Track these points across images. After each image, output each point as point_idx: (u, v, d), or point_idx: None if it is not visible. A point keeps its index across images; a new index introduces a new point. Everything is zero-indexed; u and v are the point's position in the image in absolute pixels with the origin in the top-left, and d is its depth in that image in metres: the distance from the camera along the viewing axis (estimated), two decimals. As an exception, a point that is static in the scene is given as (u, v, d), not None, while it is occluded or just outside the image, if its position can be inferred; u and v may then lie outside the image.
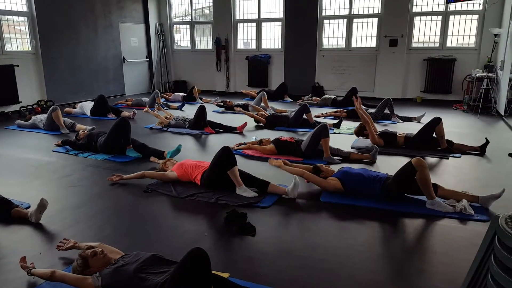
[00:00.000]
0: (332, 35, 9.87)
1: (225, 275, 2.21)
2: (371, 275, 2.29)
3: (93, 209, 3.28)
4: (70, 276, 2.12)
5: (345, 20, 9.61)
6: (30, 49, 8.34)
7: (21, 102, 7.95)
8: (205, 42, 11.48)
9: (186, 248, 2.56)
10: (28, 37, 8.33)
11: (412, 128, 5.67)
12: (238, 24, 10.77)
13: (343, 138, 5.51)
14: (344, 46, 9.74)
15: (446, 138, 4.79)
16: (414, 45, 9.17)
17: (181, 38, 11.90)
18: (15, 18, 8.15)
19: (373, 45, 9.44)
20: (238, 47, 10.91)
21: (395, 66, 9.17)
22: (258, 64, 10.48)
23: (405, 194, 3.32)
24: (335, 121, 6.33)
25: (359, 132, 5.20)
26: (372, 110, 6.83)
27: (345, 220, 3.03)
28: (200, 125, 6.02)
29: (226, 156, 3.43)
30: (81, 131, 5.24)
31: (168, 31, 11.54)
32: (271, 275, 2.29)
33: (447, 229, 2.83)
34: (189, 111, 6.71)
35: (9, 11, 7.94)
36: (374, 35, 9.39)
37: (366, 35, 9.52)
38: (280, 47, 10.38)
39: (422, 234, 2.83)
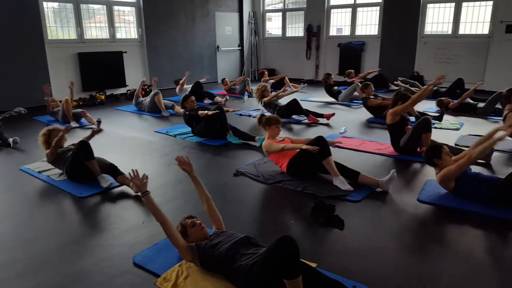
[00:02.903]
0: (436, 20, 8.95)
1: (313, 264, 2.18)
2: (476, 287, 2.04)
3: (189, 187, 3.45)
4: (177, 234, 2.16)
5: (452, 4, 8.61)
6: (136, 37, 9.18)
7: (128, 85, 8.83)
8: (296, 29, 11.36)
9: (273, 232, 2.61)
10: (134, 26, 9.16)
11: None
12: (332, 10, 10.41)
13: (445, 134, 5.00)
14: (450, 32, 8.76)
15: None
16: (539, 30, 7.86)
17: (273, 26, 11.96)
18: (124, 8, 9.01)
19: (485, 31, 8.31)
20: (330, 34, 10.58)
21: (511, 56, 7.99)
22: (350, 51, 10.03)
23: (521, 201, 2.88)
24: (437, 114, 5.77)
25: None
26: (481, 105, 6.08)
27: (446, 224, 2.75)
28: (289, 115, 6.03)
29: (321, 146, 3.35)
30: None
31: (261, 19, 11.69)
32: (360, 271, 2.19)
33: None
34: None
35: (120, 2, 8.79)
36: (487, 20, 8.26)
37: (477, 20, 8.43)
38: (376, 33, 9.78)
39: (542, 249, 2.44)
